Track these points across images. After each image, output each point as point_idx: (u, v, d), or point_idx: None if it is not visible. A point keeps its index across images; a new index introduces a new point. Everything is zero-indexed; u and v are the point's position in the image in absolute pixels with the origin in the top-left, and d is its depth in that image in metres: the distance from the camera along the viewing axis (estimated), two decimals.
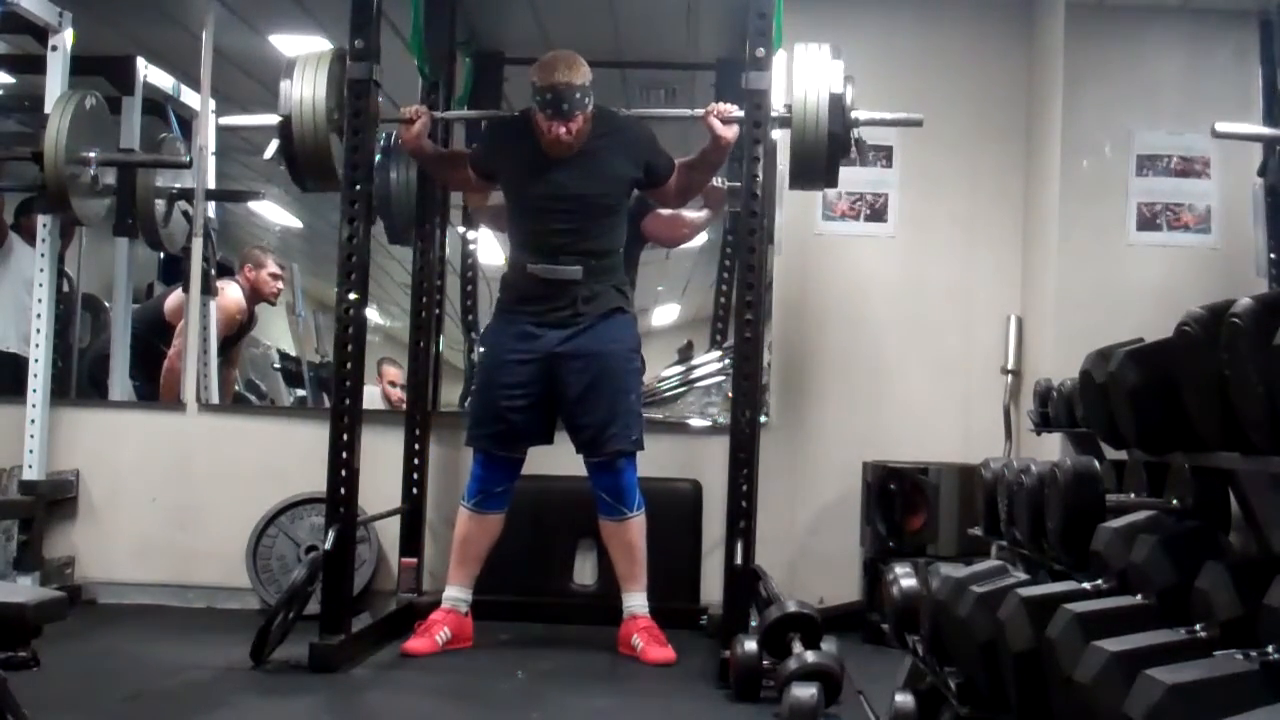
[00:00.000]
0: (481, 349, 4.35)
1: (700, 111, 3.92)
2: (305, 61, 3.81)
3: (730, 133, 3.86)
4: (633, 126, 4.08)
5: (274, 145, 3.82)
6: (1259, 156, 4.31)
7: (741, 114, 3.80)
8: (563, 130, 3.84)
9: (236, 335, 5.30)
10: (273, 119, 3.82)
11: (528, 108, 3.95)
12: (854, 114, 3.80)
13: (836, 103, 3.75)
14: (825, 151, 3.77)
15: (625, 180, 4.01)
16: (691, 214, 4.77)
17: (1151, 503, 2.65)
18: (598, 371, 3.93)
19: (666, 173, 4.05)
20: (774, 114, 3.79)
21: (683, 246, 5.81)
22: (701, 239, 5.57)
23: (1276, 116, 4.25)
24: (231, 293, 5.24)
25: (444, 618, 3.95)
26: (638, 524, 4.00)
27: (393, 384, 5.22)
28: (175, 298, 5.07)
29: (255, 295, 5.31)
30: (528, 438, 4.02)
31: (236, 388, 5.36)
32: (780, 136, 3.99)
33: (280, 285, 5.37)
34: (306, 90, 3.76)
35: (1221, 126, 3.91)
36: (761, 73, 3.69)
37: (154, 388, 5.14)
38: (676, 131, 4.44)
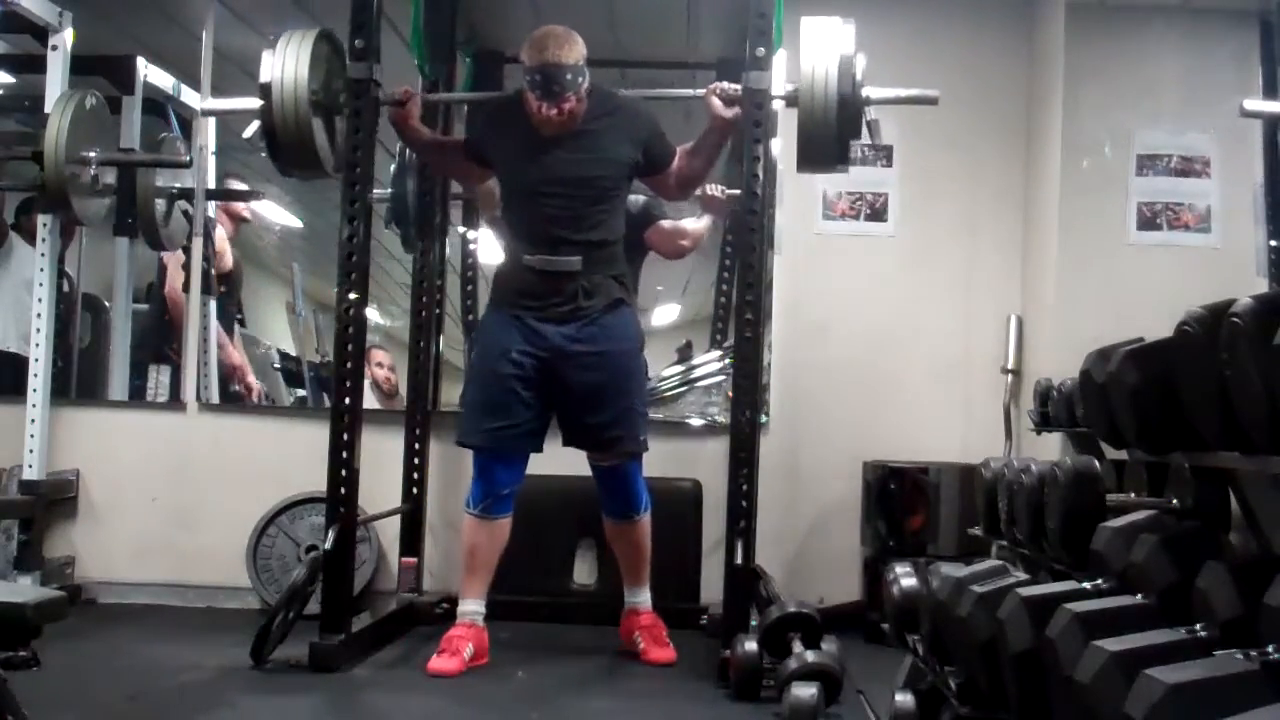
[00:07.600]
0: (477, 342, 4.12)
1: (701, 91, 3.81)
2: (288, 39, 3.73)
3: (731, 113, 3.73)
4: (633, 107, 3.90)
5: (255, 123, 3.72)
6: (1259, 159, 4.31)
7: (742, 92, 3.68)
8: (553, 112, 3.69)
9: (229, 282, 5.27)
10: (257, 102, 3.72)
11: (520, 88, 3.79)
12: (865, 91, 3.61)
13: (846, 72, 3.56)
14: (835, 128, 3.58)
15: (625, 163, 3.83)
16: (692, 225, 4.74)
17: (1152, 502, 2.65)
18: (604, 373, 3.79)
19: (668, 158, 3.89)
20: (778, 94, 3.67)
21: None
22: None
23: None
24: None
25: (466, 633, 3.75)
26: (645, 524, 3.95)
27: (379, 365, 5.16)
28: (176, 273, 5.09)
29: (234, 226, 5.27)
30: (531, 436, 3.83)
31: (235, 387, 5.32)
32: (784, 122, 3.88)
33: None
34: (289, 68, 3.66)
35: (1250, 105, 3.86)
36: (762, 72, 3.66)
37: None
38: (679, 121, 4.42)
